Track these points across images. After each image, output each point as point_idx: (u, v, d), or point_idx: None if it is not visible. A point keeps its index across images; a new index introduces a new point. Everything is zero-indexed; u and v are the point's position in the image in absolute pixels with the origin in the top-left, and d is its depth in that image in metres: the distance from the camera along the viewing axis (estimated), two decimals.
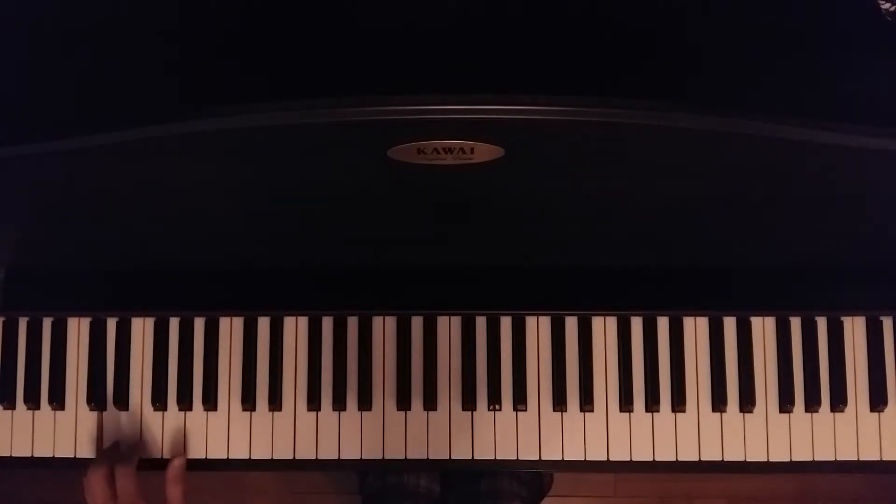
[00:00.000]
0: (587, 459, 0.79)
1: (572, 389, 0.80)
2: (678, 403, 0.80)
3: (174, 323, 0.82)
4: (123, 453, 0.79)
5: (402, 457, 0.80)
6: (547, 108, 0.53)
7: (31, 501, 1.27)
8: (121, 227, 0.73)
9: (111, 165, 0.61)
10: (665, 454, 0.79)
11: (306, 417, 0.81)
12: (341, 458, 0.80)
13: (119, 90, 0.59)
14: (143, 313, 0.82)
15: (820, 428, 0.80)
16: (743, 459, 0.79)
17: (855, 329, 0.81)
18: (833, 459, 0.79)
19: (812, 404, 0.79)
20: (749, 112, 0.54)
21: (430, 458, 0.79)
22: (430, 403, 0.80)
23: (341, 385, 0.80)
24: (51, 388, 0.82)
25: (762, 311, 0.81)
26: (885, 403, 0.80)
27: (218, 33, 0.61)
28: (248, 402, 0.81)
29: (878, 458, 0.79)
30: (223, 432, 0.81)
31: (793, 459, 0.79)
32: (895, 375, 0.80)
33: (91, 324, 0.83)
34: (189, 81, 0.59)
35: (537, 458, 0.80)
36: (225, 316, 0.82)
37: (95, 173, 0.62)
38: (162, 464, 0.78)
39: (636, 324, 0.81)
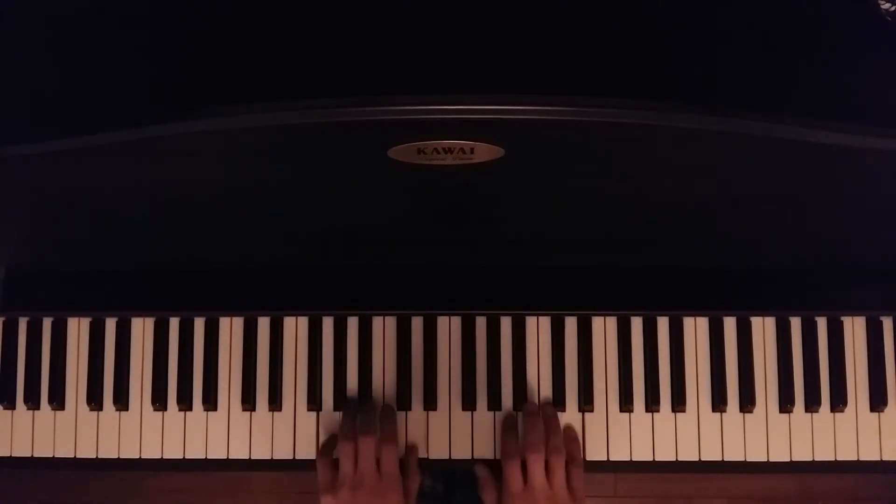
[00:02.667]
0: (587, 459, 0.79)
1: (572, 389, 0.80)
2: (678, 403, 0.80)
3: (174, 323, 0.82)
4: (372, 427, 0.75)
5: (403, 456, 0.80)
6: (547, 108, 0.53)
7: (31, 501, 1.26)
8: (121, 227, 0.73)
9: (111, 165, 0.61)
10: (665, 454, 0.79)
11: (306, 417, 0.81)
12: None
13: (119, 90, 0.59)
14: (143, 313, 0.82)
15: (820, 428, 0.79)
16: (743, 459, 0.79)
17: (855, 329, 0.81)
18: (833, 459, 0.79)
19: (812, 404, 0.79)
20: (749, 112, 0.54)
21: (429, 457, 0.79)
22: (430, 403, 0.80)
23: (341, 385, 0.80)
24: (51, 388, 0.82)
25: (762, 311, 0.81)
26: (885, 403, 0.80)
27: (218, 33, 0.61)
28: (248, 402, 0.81)
29: (878, 459, 0.79)
30: (223, 432, 0.81)
31: (793, 459, 0.79)
32: (895, 375, 0.80)
33: (91, 324, 0.83)
34: (188, 81, 0.59)
35: None
36: (225, 316, 0.82)
37: (95, 173, 0.62)
38: (160, 464, 0.78)
39: (636, 324, 0.81)
